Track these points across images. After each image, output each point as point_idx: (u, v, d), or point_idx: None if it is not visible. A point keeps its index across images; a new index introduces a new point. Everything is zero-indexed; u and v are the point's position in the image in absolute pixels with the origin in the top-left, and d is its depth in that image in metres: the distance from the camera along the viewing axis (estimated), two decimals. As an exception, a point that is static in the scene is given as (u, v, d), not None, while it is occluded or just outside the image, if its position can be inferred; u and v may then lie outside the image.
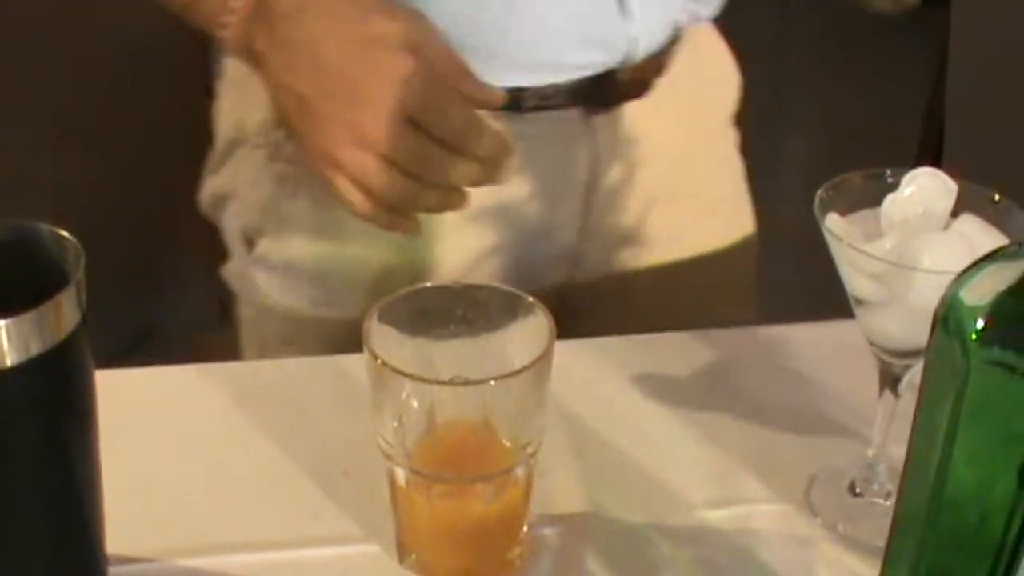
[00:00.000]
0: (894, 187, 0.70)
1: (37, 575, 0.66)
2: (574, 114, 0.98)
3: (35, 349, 0.59)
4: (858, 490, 0.77)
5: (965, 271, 0.50)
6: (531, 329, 0.68)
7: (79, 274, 0.61)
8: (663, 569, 0.73)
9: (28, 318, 0.58)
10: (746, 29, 1.10)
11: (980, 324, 0.49)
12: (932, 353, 0.52)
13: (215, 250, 2.09)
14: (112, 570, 0.70)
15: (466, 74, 0.82)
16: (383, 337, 0.68)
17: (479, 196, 0.85)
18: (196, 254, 2.06)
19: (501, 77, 0.88)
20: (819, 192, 0.70)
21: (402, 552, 0.72)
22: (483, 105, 0.82)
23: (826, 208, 0.70)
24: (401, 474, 0.68)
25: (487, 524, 0.70)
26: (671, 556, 0.73)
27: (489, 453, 0.70)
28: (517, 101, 0.94)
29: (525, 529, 0.72)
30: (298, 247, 1.01)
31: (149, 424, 0.81)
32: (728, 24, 1.09)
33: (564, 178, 1.01)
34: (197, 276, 2.08)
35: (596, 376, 0.87)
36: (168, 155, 1.95)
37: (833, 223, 0.69)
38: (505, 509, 0.70)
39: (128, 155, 1.87)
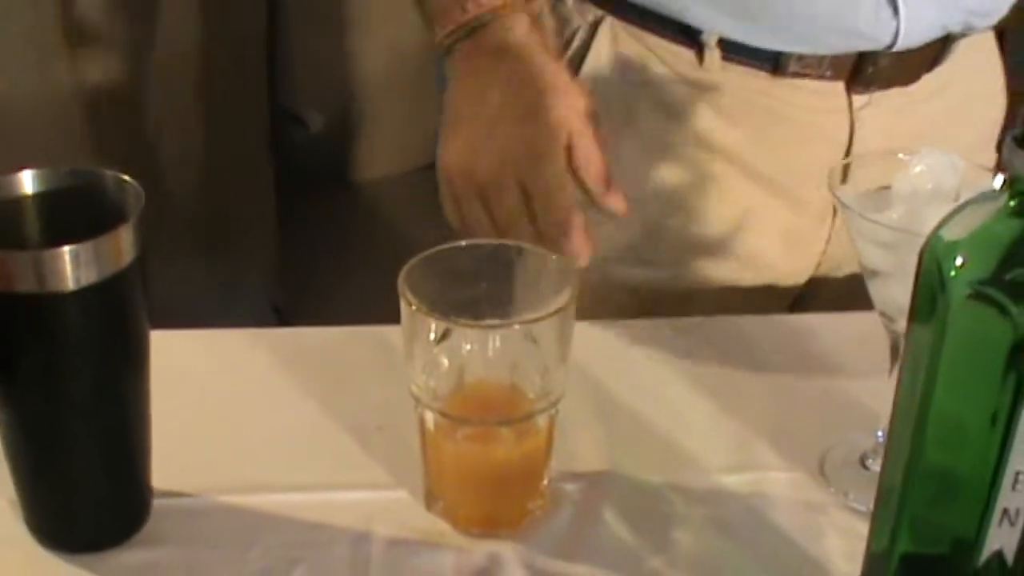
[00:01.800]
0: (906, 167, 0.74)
1: (87, 496, 0.72)
2: (836, 88, 1.01)
3: (93, 277, 0.64)
4: (869, 462, 0.80)
5: (949, 214, 0.54)
6: (558, 283, 0.73)
7: (138, 214, 0.67)
8: (677, 525, 0.76)
9: (88, 247, 0.64)
10: None
11: (960, 261, 0.52)
12: (916, 293, 0.55)
13: (273, 254, 2.14)
14: (156, 502, 0.75)
15: (601, 176, 0.86)
16: (417, 291, 0.72)
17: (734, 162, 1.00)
18: (256, 258, 2.13)
19: (761, 39, 0.97)
20: (832, 168, 0.74)
21: (429, 499, 0.76)
22: (607, 207, 0.87)
23: (839, 183, 0.73)
24: (430, 417, 0.72)
25: (509, 471, 0.74)
26: (685, 514, 0.77)
27: (513, 404, 0.74)
28: (778, 63, 0.99)
29: (546, 482, 0.76)
30: None
31: (200, 379, 0.86)
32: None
33: (817, 152, 1.03)
34: (254, 281, 2.14)
35: (625, 352, 0.91)
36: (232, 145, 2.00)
37: (845, 195, 0.72)
38: (527, 457, 0.74)
39: (193, 142, 1.93)
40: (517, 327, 0.69)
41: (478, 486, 0.75)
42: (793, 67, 0.99)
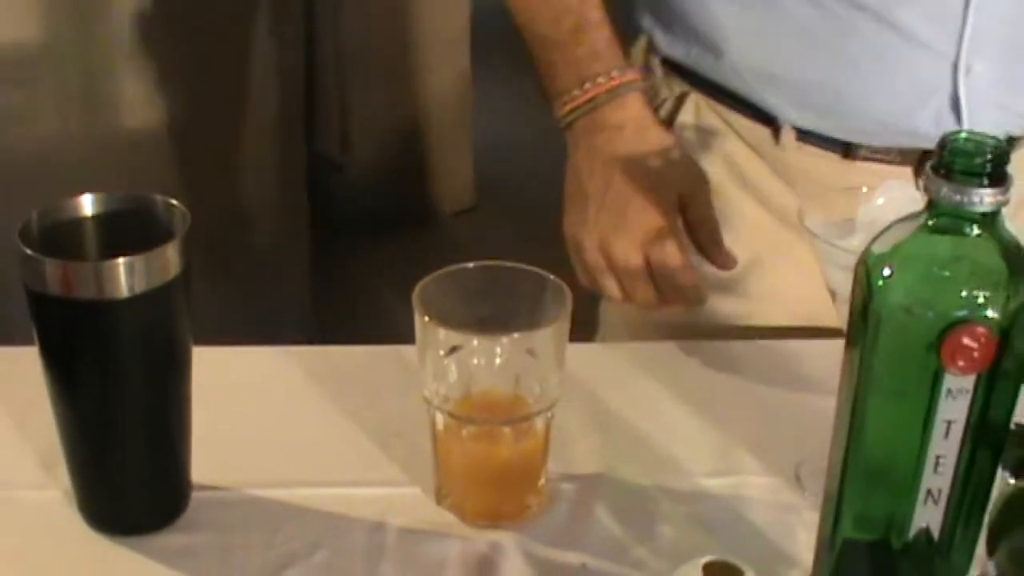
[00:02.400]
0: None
1: (134, 484, 0.81)
2: (904, 172, 1.06)
3: (143, 286, 0.74)
4: (841, 469, 0.88)
5: (880, 231, 0.63)
6: (555, 301, 0.81)
7: (183, 233, 0.76)
8: (662, 521, 0.84)
9: (140, 259, 0.73)
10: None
11: (887, 271, 0.61)
12: (852, 301, 0.64)
13: (307, 294, 2.23)
14: (195, 494, 0.84)
15: (714, 237, 1.00)
16: (430, 305, 0.80)
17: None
18: (290, 298, 2.22)
19: (831, 131, 1.06)
20: (800, 204, 0.82)
21: (439, 495, 0.85)
22: (718, 265, 1.00)
23: (806, 215, 0.82)
24: (440, 418, 0.81)
25: (510, 468, 0.82)
26: (670, 511, 0.85)
27: (514, 408, 0.82)
28: (849, 149, 1.07)
29: (543, 480, 0.84)
30: None
31: (236, 389, 0.95)
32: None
33: None
34: (288, 319, 2.24)
35: (621, 370, 0.99)
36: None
37: (811, 223, 0.81)
38: (526, 456, 0.82)
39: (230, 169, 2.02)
40: (517, 336, 0.78)
41: (482, 482, 0.83)
42: (864, 153, 1.07)
